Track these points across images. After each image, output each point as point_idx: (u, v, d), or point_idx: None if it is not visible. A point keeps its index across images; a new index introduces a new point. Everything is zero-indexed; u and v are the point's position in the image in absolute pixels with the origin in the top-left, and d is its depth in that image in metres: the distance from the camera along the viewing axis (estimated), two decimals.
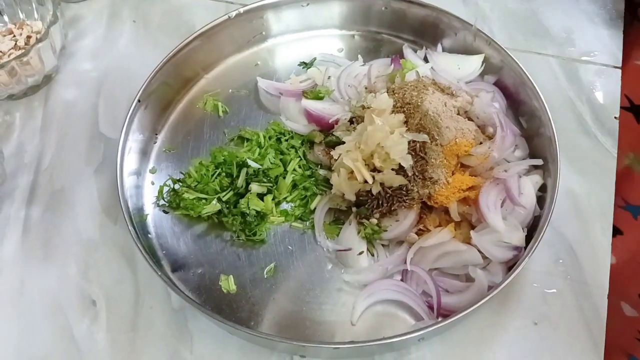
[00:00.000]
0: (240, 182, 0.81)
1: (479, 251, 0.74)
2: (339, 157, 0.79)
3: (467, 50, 0.93)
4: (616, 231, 0.79)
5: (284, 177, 0.84)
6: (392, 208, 0.77)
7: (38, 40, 0.91)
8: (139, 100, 0.86)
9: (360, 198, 0.78)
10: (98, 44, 1.05)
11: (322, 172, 0.84)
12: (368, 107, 0.81)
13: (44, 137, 0.94)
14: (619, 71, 0.96)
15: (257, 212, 0.81)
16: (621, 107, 0.90)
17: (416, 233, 0.78)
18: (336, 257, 0.80)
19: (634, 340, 0.74)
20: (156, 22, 1.07)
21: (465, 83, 0.89)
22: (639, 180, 0.84)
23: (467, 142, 0.79)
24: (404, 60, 0.91)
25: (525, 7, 1.06)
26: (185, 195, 0.82)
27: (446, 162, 0.78)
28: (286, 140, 0.88)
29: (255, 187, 0.81)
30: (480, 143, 0.80)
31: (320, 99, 0.90)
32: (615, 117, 0.91)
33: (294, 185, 0.84)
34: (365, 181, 0.76)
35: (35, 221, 0.86)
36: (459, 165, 0.80)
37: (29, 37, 0.99)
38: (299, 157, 0.86)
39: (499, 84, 0.90)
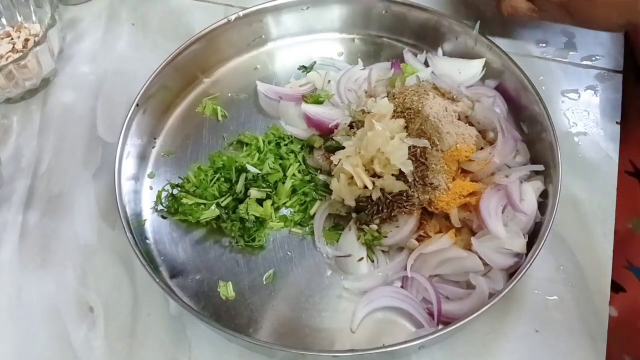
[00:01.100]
0: (239, 187, 0.81)
1: (480, 258, 0.73)
2: (338, 162, 0.78)
3: (468, 55, 0.92)
4: (619, 288, 0.78)
5: (283, 182, 0.83)
6: (393, 214, 0.76)
7: (36, 44, 0.90)
8: (137, 104, 0.85)
9: (360, 204, 0.78)
10: (96, 47, 1.04)
11: (321, 177, 0.84)
12: (368, 112, 0.80)
13: (41, 141, 0.93)
14: (620, 75, 0.95)
15: (256, 217, 0.80)
16: (625, 172, 0.87)
17: (416, 239, 0.77)
18: (336, 264, 0.79)
19: None
20: (155, 25, 1.07)
21: (466, 87, 0.88)
22: None
23: (467, 148, 0.78)
24: (404, 65, 0.91)
25: None
26: (184, 201, 0.81)
27: (447, 168, 0.77)
28: (285, 145, 0.87)
29: (254, 193, 0.81)
30: (481, 148, 0.80)
31: (320, 103, 0.89)
32: (617, 122, 0.90)
33: (294, 191, 0.83)
34: (365, 187, 0.75)
35: (32, 226, 0.85)
36: (460, 170, 0.79)
37: (26, 40, 0.98)
38: (299, 162, 0.85)
39: (500, 89, 0.90)
